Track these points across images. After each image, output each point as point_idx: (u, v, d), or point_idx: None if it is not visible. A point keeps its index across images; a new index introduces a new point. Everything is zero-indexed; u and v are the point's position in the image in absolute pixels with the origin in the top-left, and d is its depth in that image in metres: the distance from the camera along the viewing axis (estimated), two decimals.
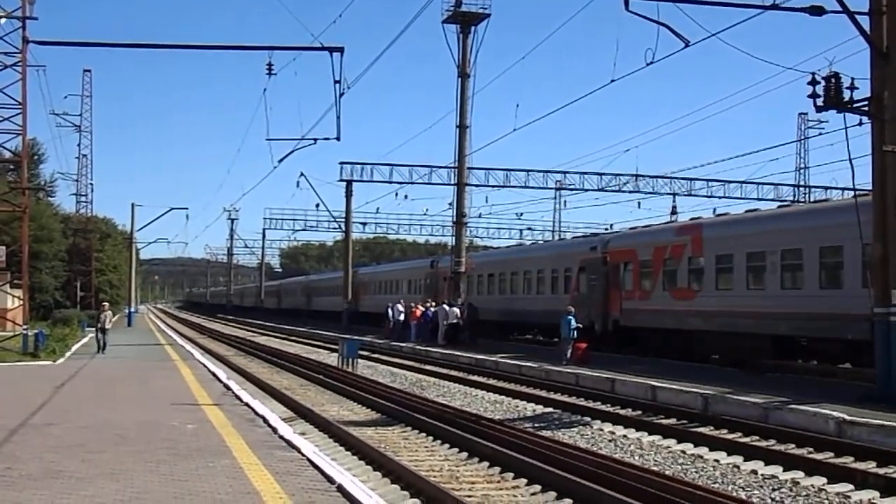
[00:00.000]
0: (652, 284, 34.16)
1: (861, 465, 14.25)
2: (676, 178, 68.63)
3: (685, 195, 68.91)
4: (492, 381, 28.67)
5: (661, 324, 33.26)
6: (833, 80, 19.91)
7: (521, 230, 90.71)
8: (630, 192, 67.73)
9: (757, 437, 17.21)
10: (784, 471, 14.04)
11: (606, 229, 70.86)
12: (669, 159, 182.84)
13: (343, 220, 70.99)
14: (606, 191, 67.43)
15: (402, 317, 50.63)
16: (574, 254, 41.22)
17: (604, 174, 66.23)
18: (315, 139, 35.23)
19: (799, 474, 13.74)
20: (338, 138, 32.25)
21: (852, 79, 20.03)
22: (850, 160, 20.19)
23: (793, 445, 16.23)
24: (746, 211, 34.27)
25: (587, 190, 67.64)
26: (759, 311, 28.07)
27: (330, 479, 10.99)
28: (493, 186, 66.33)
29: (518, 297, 46.19)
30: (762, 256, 28.23)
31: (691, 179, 68.49)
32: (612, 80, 26.52)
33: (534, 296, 44.24)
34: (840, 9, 19.85)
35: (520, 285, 46.49)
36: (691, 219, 38.40)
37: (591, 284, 38.27)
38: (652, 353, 32.69)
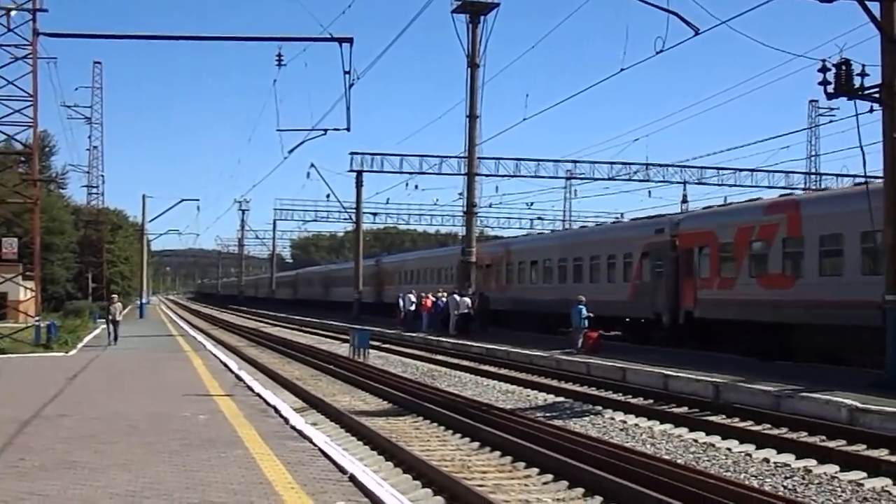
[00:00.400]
0: (735, 271, 29.95)
1: (874, 453, 14.21)
2: (687, 166, 68.47)
3: (696, 183, 68.75)
4: (503, 371, 28.66)
5: (748, 316, 28.99)
6: (843, 67, 19.83)
7: (531, 220, 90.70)
8: (641, 180, 67.57)
9: (769, 426, 17.16)
10: (796, 459, 14.02)
11: (617, 218, 70.78)
12: (680, 148, 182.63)
13: (353, 210, 70.97)
14: (617, 179, 67.28)
15: (413, 307, 50.64)
16: (635, 238, 36.85)
17: (614, 163, 66.09)
18: (325, 130, 35.32)
19: (811, 462, 13.72)
20: (348, 129, 32.27)
21: (863, 66, 19.99)
22: (861, 147, 20.14)
23: (805, 433, 16.19)
24: (856, 184, 31.38)
25: (597, 179, 67.46)
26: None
27: (342, 469, 11.00)
28: (504, 176, 66.19)
29: (567, 287, 40.93)
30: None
31: (702, 168, 68.37)
32: (622, 69, 26.54)
33: (586, 285, 39.17)
34: None
35: (569, 274, 42.16)
36: (781, 195, 36.56)
37: (657, 272, 34.39)
38: (735, 349, 28.80)
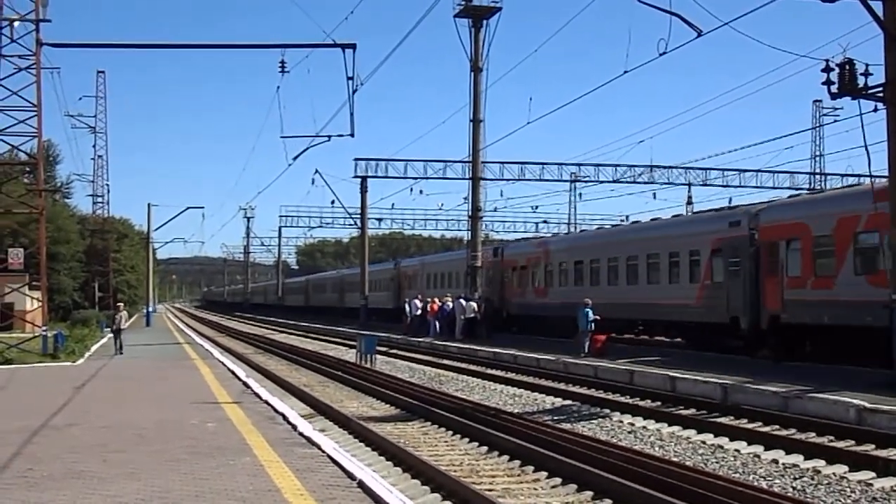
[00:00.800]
0: (835, 268, 25.72)
1: (883, 453, 14.17)
2: (691, 168, 68.41)
3: (700, 185, 68.65)
4: (511, 375, 28.64)
5: (854, 320, 24.51)
6: (847, 67, 19.81)
7: (536, 223, 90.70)
8: (645, 182, 67.53)
9: (777, 426, 17.14)
10: (805, 459, 13.99)
11: (622, 220, 70.68)
12: (684, 150, 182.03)
13: (358, 216, 70.99)
14: (621, 182, 67.25)
15: (419, 311, 50.64)
16: (704, 233, 32.67)
17: (619, 166, 66.02)
18: (329, 136, 35.35)
19: (820, 463, 13.70)
20: (352, 135, 32.34)
21: (866, 65, 19.96)
22: (866, 147, 20.11)
23: (813, 434, 16.16)
24: None
25: (602, 182, 67.44)
26: None
27: (350, 476, 11.01)
28: (508, 180, 66.19)
29: (619, 290, 37.57)
30: None
31: (706, 169, 68.26)
32: (625, 72, 26.50)
33: (642, 287, 36.11)
34: None
35: (621, 275, 38.12)
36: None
37: (732, 270, 30.16)
38: (837, 359, 24.87)
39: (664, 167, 67.53)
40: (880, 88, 19.85)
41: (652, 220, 42.73)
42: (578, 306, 32.06)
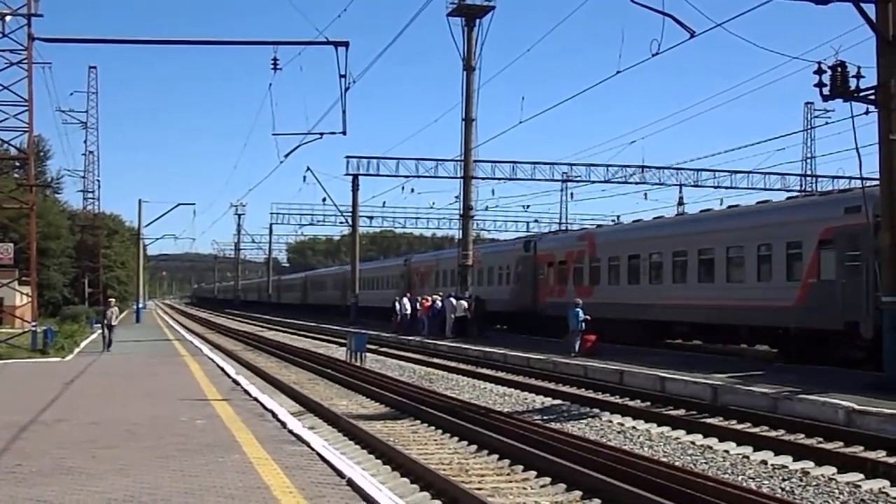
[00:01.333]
0: None
1: (871, 455, 14.22)
2: (683, 168, 68.46)
3: (692, 186, 68.74)
4: (501, 374, 28.64)
5: None
6: (839, 69, 19.89)
7: (527, 222, 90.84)
8: (637, 183, 67.53)
9: (766, 428, 17.17)
10: (794, 461, 14.02)
11: (614, 220, 70.69)
12: (676, 150, 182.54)
13: (350, 214, 70.93)
14: (613, 182, 67.25)
15: (408, 310, 50.63)
16: (809, 220, 27.27)
17: (610, 166, 66.01)
18: (321, 134, 35.21)
19: (809, 464, 13.72)
20: (344, 132, 32.24)
21: (858, 67, 20.07)
22: (857, 149, 20.16)
23: (802, 435, 16.19)
24: None
25: (594, 182, 67.45)
26: None
27: (340, 473, 11.01)
28: (500, 179, 66.04)
29: (687, 288, 32.71)
30: None
31: (698, 170, 68.34)
32: (618, 72, 26.44)
33: (720, 285, 31.07)
34: None
35: (690, 271, 32.95)
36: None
37: (848, 266, 25.15)
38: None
39: (656, 168, 67.56)
40: (872, 91, 19.93)
41: (730, 207, 37.36)
42: (568, 306, 31.99)
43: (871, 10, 19.73)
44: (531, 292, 45.18)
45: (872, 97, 19.99)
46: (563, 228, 78.74)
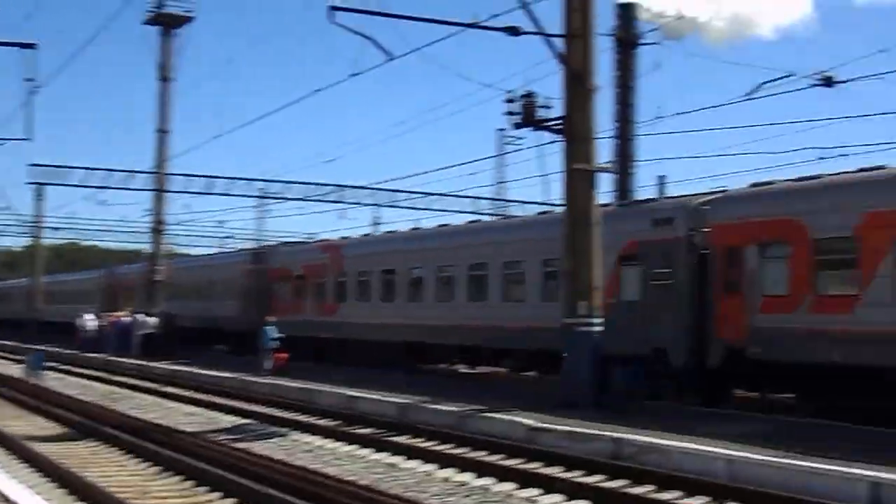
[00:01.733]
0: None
1: (549, 471, 14.65)
2: (379, 189, 69.47)
3: (388, 206, 69.91)
4: (188, 393, 27.76)
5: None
6: (529, 99, 20.74)
7: (222, 238, 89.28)
8: (333, 202, 67.87)
9: (453, 445, 17.43)
10: (477, 477, 14.25)
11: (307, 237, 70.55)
12: (375, 170, 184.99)
13: (33, 224, 67.07)
14: (309, 200, 67.26)
15: (91, 326, 48.41)
16: (608, 233, 21.31)
17: (308, 183, 65.98)
18: (4, 139, 33.33)
19: (491, 480, 14.00)
20: (29, 139, 30.45)
21: (546, 98, 21.00)
22: (543, 176, 21.01)
23: (485, 452, 16.53)
24: None
25: (290, 199, 67.19)
26: None
27: (7, 500, 10.16)
28: (195, 193, 64.60)
29: (452, 308, 29.57)
30: None
31: (394, 191, 69.58)
32: (318, 90, 26.42)
33: (495, 303, 28.03)
34: (536, 30, 20.67)
35: (459, 288, 29.78)
36: None
37: (656, 284, 22.44)
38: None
39: (353, 187, 68.15)
40: (559, 122, 20.88)
41: (503, 218, 34.55)
42: (260, 326, 31.48)
43: (560, 43, 20.65)
44: (262, 309, 37.39)
45: (559, 127, 20.94)
46: (262, 245, 77.81)
